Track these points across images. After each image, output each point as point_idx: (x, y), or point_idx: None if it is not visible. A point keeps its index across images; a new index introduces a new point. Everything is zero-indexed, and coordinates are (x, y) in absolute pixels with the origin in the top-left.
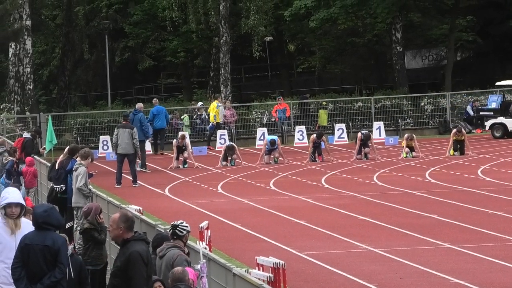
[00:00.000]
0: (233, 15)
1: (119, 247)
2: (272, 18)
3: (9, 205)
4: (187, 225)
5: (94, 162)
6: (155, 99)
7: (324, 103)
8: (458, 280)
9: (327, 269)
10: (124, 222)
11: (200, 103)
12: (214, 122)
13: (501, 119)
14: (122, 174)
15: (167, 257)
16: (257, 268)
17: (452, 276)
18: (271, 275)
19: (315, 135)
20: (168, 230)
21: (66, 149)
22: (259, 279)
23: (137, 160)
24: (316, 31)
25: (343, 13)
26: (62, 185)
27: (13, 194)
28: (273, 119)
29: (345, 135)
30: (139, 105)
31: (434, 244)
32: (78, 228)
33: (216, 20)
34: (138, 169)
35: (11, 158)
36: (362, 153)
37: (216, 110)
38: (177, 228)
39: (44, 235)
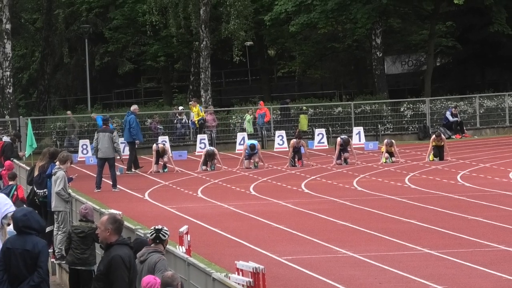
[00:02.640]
0: (213, 19)
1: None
2: (252, 22)
3: (10, 213)
4: (167, 229)
5: (73, 166)
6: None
7: (304, 108)
8: (437, 286)
9: (307, 274)
10: (112, 224)
11: (180, 107)
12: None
13: None
14: (102, 179)
15: (149, 261)
16: (236, 272)
17: (431, 282)
18: (250, 279)
19: (294, 139)
20: (150, 234)
21: (42, 153)
22: (238, 283)
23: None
24: (296, 36)
25: (323, 18)
26: (45, 190)
27: (11, 202)
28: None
29: (325, 140)
30: (134, 107)
31: (413, 249)
32: (85, 231)
33: (196, 25)
34: (118, 173)
35: None
36: (342, 158)
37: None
38: (161, 232)
39: (25, 239)
